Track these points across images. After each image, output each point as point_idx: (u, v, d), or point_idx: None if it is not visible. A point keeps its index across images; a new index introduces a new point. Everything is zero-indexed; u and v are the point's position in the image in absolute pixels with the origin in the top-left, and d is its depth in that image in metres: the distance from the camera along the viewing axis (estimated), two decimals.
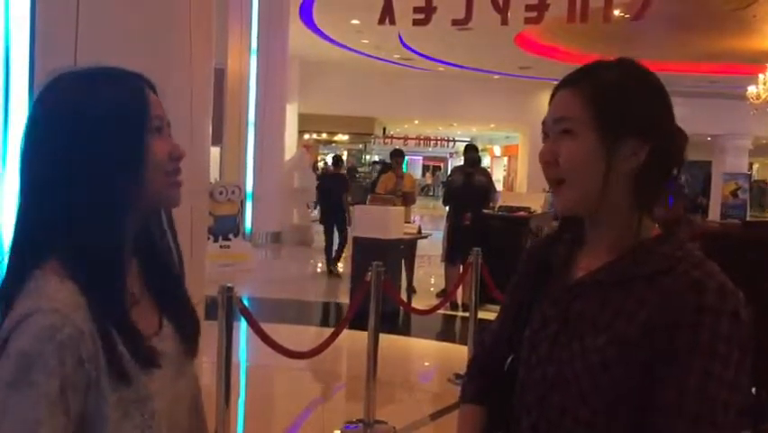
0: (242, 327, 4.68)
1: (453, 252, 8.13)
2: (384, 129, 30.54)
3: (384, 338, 4.49)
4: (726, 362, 1.02)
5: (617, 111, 1.12)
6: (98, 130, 1.03)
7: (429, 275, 10.11)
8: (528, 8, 9.30)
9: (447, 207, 8.94)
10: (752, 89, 15.39)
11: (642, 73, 1.17)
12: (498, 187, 16.70)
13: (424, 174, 39.40)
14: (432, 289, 9.03)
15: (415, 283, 8.52)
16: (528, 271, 1.30)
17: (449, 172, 19.95)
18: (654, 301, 1.07)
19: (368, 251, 6.79)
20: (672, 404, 1.02)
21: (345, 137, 30.19)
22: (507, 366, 1.28)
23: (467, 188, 8.32)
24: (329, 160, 31.53)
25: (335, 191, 10.67)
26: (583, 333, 1.12)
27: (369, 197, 9.51)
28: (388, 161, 12.99)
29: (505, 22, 9.63)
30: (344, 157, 32.68)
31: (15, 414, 0.92)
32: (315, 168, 18.23)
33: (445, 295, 7.10)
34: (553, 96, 1.19)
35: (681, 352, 1.03)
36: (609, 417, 1.08)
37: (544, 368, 1.16)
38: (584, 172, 1.12)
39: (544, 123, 1.19)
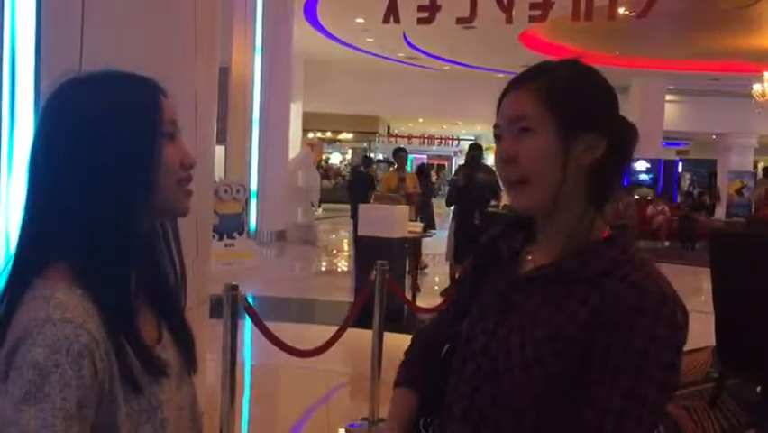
0: (247, 325, 4.69)
1: (460, 251, 8.14)
2: (388, 128, 30.54)
3: (388, 337, 4.49)
4: (658, 363, 1.05)
5: (574, 106, 1.14)
6: (110, 133, 1.01)
7: (433, 274, 10.11)
8: (533, 6, 9.31)
9: (452, 207, 8.92)
10: (757, 87, 15.37)
11: (591, 71, 1.19)
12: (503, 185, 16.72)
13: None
14: (436, 288, 9.03)
15: (419, 282, 8.52)
16: (477, 264, 1.32)
17: (453, 171, 19.89)
18: (595, 301, 1.09)
19: (372, 250, 6.80)
20: (601, 402, 1.05)
21: (349, 136, 30.21)
22: (443, 355, 1.29)
23: (468, 187, 8.32)
24: (333, 159, 31.64)
25: (362, 189, 11.26)
26: (522, 326, 1.14)
27: (372, 195, 9.48)
28: (391, 159, 13.09)
29: (509, 20, 9.64)
30: (349, 156, 32.77)
31: (28, 430, 0.88)
32: (319, 166, 18.26)
33: (449, 293, 7.10)
34: (502, 97, 1.19)
35: (615, 351, 1.05)
36: (539, 410, 1.10)
37: (479, 360, 1.18)
38: (545, 168, 1.13)
39: (496, 125, 1.19)
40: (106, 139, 1.01)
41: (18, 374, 0.91)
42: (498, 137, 1.19)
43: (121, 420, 0.98)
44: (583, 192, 1.15)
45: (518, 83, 1.18)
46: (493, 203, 8.46)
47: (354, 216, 10.80)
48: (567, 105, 1.13)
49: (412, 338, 1.47)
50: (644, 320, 1.05)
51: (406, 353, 1.44)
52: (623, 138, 1.16)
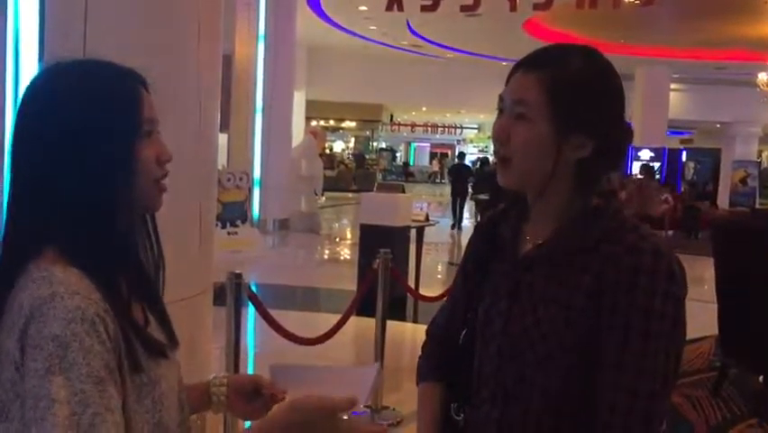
0: (251, 313, 4.70)
1: None
2: (391, 116, 30.51)
3: (392, 325, 4.50)
4: (663, 317, 1.09)
5: (574, 106, 1.15)
6: (88, 131, 1.02)
7: (437, 262, 10.12)
8: None
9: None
10: (762, 76, 15.31)
11: (604, 69, 1.19)
12: None
13: (431, 161, 39.26)
14: (439, 276, 9.04)
15: (422, 270, 8.53)
16: (478, 249, 1.35)
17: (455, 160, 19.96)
18: (595, 268, 1.14)
19: (375, 238, 6.80)
20: (615, 362, 1.10)
21: (353, 124, 30.21)
22: (461, 342, 1.32)
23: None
24: (336, 147, 31.60)
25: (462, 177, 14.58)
26: (535, 304, 1.18)
27: (375, 184, 9.47)
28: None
29: (513, 8, 9.61)
30: (351, 144, 32.69)
31: (58, 399, 0.89)
32: (322, 155, 18.26)
33: None
34: (513, 73, 1.20)
35: (620, 311, 1.10)
36: (564, 381, 1.14)
37: (499, 341, 1.22)
38: (532, 157, 1.17)
39: (501, 98, 1.21)
40: (83, 136, 1.02)
41: (37, 351, 0.92)
42: (500, 110, 1.21)
43: (126, 392, 0.99)
44: (570, 183, 1.18)
45: (531, 65, 1.19)
46: None
47: (454, 209, 14.25)
48: (569, 103, 1.15)
49: (426, 332, 1.48)
50: (644, 279, 1.09)
51: (423, 346, 1.45)
52: (612, 142, 1.18)
